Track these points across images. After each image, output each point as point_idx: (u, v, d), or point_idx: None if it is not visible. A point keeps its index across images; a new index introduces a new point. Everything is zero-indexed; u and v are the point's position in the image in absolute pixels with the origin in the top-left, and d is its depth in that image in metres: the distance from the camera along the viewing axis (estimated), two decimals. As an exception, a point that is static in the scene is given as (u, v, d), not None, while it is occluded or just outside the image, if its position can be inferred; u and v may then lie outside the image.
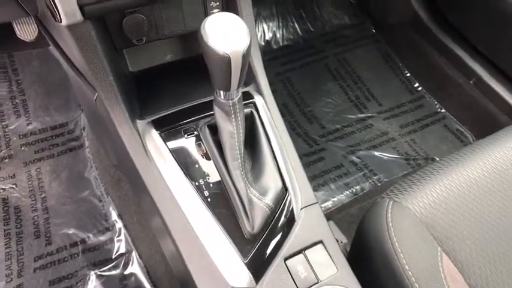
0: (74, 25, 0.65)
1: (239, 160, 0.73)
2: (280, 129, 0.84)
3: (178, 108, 0.83)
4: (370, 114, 1.67)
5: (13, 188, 1.36)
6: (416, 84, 1.78)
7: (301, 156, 1.47)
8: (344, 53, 1.83)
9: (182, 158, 0.77)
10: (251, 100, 0.84)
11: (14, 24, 0.90)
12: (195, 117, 0.81)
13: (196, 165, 0.76)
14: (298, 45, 1.83)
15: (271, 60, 1.76)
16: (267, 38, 1.80)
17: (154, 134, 0.78)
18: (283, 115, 1.62)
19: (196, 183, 0.75)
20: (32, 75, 1.47)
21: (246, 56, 0.60)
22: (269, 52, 1.78)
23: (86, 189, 1.36)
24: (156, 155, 0.78)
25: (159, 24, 0.80)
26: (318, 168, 1.46)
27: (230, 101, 0.68)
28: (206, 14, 0.84)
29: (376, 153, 1.53)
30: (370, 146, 1.56)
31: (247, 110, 0.81)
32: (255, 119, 0.82)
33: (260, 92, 0.87)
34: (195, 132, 0.79)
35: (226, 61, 0.58)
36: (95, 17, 0.68)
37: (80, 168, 1.39)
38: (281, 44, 1.81)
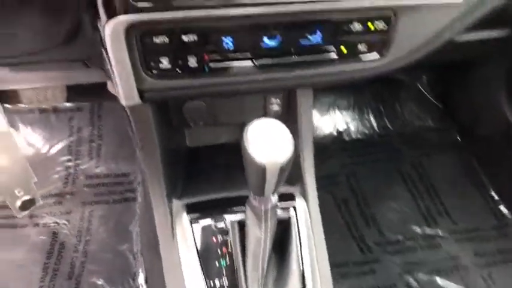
0: (133, 106, 0.67)
1: (260, 271, 0.66)
2: (318, 243, 0.76)
3: (218, 196, 0.81)
4: (440, 232, 1.48)
5: (65, 224, 1.42)
6: (503, 208, 1.56)
7: (351, 263, 1.33)
8: (421, 157, 1.70)
9: (205, 251, 0.73)
10: (292, 203, 0.79)
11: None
12: (230, 210, 0.77)
13: (217, 263, 0.72)
14: (372, 140, 1.74)
15: (339, 151, 1.69)
16: (340, 128, 1.75)
17: (185, 219, 0.76)
18: (340, 211, 1.53)
19: (212, 283, 0.69)
20: (111, 124, 1.60)
21: (284, 168, 0.56)
22: (339, 142, 1.73)
23: (126, 242, 1.37)
24: (181, 241, 0.75)
25: (218, 113, 0.81)
26: (366, 281, 1.30)
27: (263, 207, 0.64)
28: (266, 111, 0.83)
29: (440, 281, 1.33)
30: (434, 269, 1.36)
31: (284, 215, 0.76)
32: (290, 226, 0.75)
33: (304, 196, 0.81)
34: (226, 227, 0.75)
35: (262, 170, 0.55)
36: (158, 102, 0.70)
37: (127, 221, 1.42)
38: (353, 136, 1.75)
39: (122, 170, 1.54)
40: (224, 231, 0.74)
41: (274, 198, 0.64)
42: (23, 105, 1.51)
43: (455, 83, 1.77)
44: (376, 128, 1.77)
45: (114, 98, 1.64)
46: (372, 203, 1.55)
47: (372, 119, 1.79)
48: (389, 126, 1.78)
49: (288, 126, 0.59)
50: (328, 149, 1.72)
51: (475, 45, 0.89)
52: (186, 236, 0.74)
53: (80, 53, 0.67)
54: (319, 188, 1.56)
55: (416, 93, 1.84)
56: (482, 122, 1.66)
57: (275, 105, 0.83)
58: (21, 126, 1.54)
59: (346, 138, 1.74)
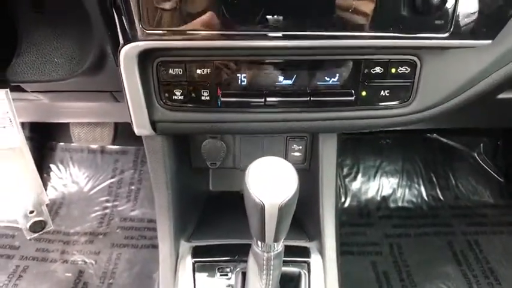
0: (147, 136, 0.68)
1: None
2: None
3: (227, 242, 0.76)
4: (498, 324, 1.26)
5: (92, 264, 1.42)
6: None
7: None
8: (477, 235, 1.51)
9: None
10: (305, 259, 0.71)
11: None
12: (237, 258, 0.71)
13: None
14: (420, 211, 1.60)
15: (383, 218, 1.57)
16: (384, 193, 1.64)
17: (189, 263, 0.71)
18: (378, 283, 1.37)
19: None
20: (152, 169, 1.64)
21: (284, 209, 0.51)
22: (384, 209, 1.61)
23: (146, 290, 1.33)
24: (182, 285, 0.70)
25: (237, 154, 0.79)
26: None
27: (265, 254, 0.58)
28: (286, 156, 0.79)
29: None
30: None
31: (294, 269, 0.69)
32: (301, 284, 0.68)
33: (322, 253, 0.73)
34: (229, 275, 0.69)
35: (260, 210, 0.50)
36: (170, 135, 0.71)
37: (151, 268, 1.39)
38: (399, 204, 1.62)
39: (155, 215, 1.54)
40: (228, 279, 0.69)
41: (279, 246, 0.58)
42: (73, 144, 1.62)
43: None
44: (425, 197, 1.63)
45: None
46: (417, 281, 1.37)
47: (421, 187, 1.65)
48: (441, 197, 1.63)
49: (310, 175, 0.55)
50: (371, 215, 1.60)
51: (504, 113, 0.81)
52: (187, 282, 0.69)
53: (107, 84, 0.70)
54: (359, 255, 1.43)
55: (473, 164, 1.69)
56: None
57: (296, 152, 0.79)
58: (70, 164, 1.64)
59: (392, 204, 1.61)
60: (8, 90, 0.55)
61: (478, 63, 0.57)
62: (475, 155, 1.70)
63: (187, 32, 0.51)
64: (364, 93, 0.60)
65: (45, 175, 1.60)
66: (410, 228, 1.54)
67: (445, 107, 0.63)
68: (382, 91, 0.60)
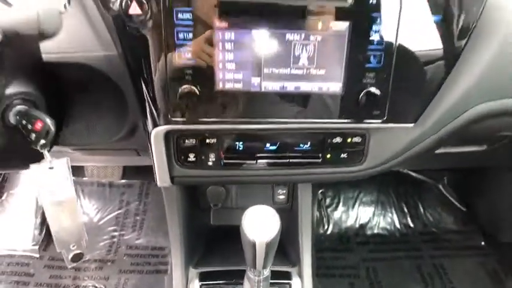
0: (166, 187, 0.89)
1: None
2: None
3: (228, 268, 0.96)
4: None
5: (102, 288, 1.59)
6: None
7: None
8: (442, 258, 1.72)
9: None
10: (288, 281, 0.91)
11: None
12: (234, 281, 0.91)
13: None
14: (393, 237, 1.81)
15: (360, 244, 1.77)
16: (362, 221, 1.85)
17: (197, 286, 0.90)
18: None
19: None
20: (155, 202, 1.83)
21: (270, 245, 0.71)
22: (361, 235, 1.81)
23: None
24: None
25: (234, 198, 1.00)
26: None
27: (256, 278, 0.78)
28: (273, 199, 1.01)
29: None
30: None
31: (280, 290, 0.89)
32: (285, 301, 0.87)
33: (301, 276, 0.94)
34: (232, 296, 0.89)
35: (253, 245, 0.71)
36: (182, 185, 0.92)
37: (156, 291, 1.56)
38: (375, 231, 1.83)
39: (158, 243, 1.72)
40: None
41: (266, 272, 0.78)
42: (85, 179, 1.82)
43: (476, 186, 1.84)
44: (397, 225, 1.84)
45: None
46: (389, 300, 1.57)
47: (394, 216, 1.87)
48: (411, 225, 1.85)
49: (291, 213, 0.75)
50: (350, 241, 1.80)
51: (461, 155, 1.03)
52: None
53: (134, 145, 0.91)
54: (340, 277, 1.62)
55: (438, 195, 1.92)
56: (504, 227, 1.68)
57: (281, 195, 1.00)
58: (81, 196, 1.83)
59: (368, 232, 1.82)
60: (68, 158, 0.76)
61: (408, 136, 0.80)
62: (440, 187, 1.93)
63: (202, 120, 0.73)
64: (328, 156, 0.82)
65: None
66: (384, 253, 1.74)
67: (391, 164, 0.85)
68: (342, 154, 0.82)
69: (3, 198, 1.82)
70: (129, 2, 0.64)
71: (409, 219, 1.86)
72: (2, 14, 0.48)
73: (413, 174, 1.94)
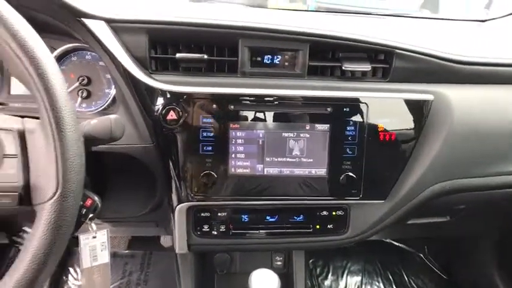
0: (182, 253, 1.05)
1: None
2: None
3: None
4: None
5: None
6: None
7: None
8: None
9: None
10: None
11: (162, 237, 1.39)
12: None
13: None
14: (381, 305, 1.92)
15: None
16: (350, 290, 1.96)
17: None
18: None
19: None
20: (157, 271, 1.94)
21: None
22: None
23: None
24: None
25: (238, 264, 1.16)
26: None
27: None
28: (272, 264, 1.17)
29: None
30: None
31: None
32: None
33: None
34: None
35: None
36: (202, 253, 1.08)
37: None
38: (363, 301, 1.94)
39: (157, 312, 1.80)
40: None
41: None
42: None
43: (455, 254, 2.00)
44: (384, 292, 1.96)
45: (163, 249, 2.01)
46: None
47: (381, 284, 1.99)
48: (396, 293, 1.97)
49: (289, 277, 0.92)
50: (340, 309, 1.90)
51: (435, 225, 1.22)
52: None
53: (156, 218, 1.09)
54: None
55: (421, 263, 2.07)
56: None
57: (278, 261, 1.17)
58: (86, 267, 1.92)
59: (357, 301, 1.93)
60: (108, 229, 0.93)
61: (381, 209, 1.00)
62: (422, 256, 2.08)
63: (217, 197, 0.92)
64: (318, 226, 1.01)
65: (64, 277, 1.87)
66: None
67: (371, 232, 1.04)
68: (329, 225, 1.01)
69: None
70: (168, 111, 0.87)
71: (394, 286, 1.98)
72: (86, 124, 0.68)
73: (396, 243, 2.10)
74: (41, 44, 0.56)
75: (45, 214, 0.55)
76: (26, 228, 0.98)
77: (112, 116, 0.68)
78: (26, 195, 0.57)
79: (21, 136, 0.57)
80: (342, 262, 2.06)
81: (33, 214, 0.59)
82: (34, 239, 0.54)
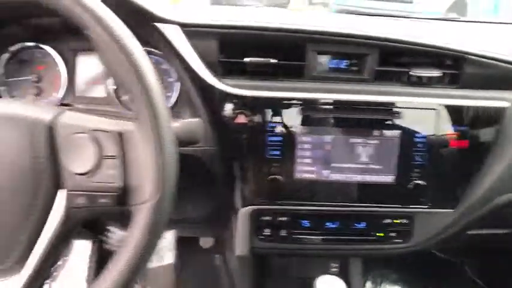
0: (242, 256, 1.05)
1: None
2: None
3: None
4: None
5: None
6: None
7: None
8: None
9: None
10: None
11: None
12: None
13: None
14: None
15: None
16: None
17: None
18: None
19: None
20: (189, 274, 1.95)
21: None
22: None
23: None
24: None
25: (297, 269, 1.15)
26: None
27: None
28: (327, 271, 1.16)
29: None
30: None
31: None
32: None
33: None
34: None
35: None
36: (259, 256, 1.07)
37: None
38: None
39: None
40: None
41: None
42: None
43: (503, 270, 1.92)
44: (426, 304, 1.91)
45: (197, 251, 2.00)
46: None
47: (423, 295, 1.94)
48: (437, 304, 1.91)
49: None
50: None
51: (490, 237, 1.18)
52: None
53: (213, 220, 1.09)
54: None
55: (464, 277, 2.00)
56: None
57: (334, 268, 1.15)
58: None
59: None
60: (175, 230, 0.94)
61: (447, 218, 0.97)
62: (466, 268, 2.02)
63: (281, 202, 0.92)
64: (381, 234, 0.99)
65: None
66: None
67: (434, 243, 1.01)
68: (392, 233, 0.99)
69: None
70: (237, 114, 0.87)
71: (436, 298, 1.92)
72: (175, 126, 0.68)
73: (438, 254, 2.04)
74: (139, 47, 0.57)
75: (143, 215, 0.55)
76: (111, 228, 1.00)
77: (194, 120, 0.69)
78: (123, 196, 0.58)
79: (120, 137, 0.58)
80: (380, 271, 2.01)
81: (124, 215, 0.60)
82: (132, 240, 0.55)
